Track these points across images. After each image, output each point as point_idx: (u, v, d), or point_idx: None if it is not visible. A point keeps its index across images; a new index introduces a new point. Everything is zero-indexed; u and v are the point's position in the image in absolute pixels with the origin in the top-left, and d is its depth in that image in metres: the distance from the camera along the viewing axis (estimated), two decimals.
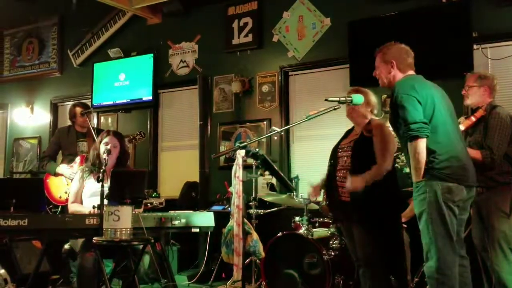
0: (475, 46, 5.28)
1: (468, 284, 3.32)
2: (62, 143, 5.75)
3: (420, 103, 3.20)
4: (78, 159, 5.43)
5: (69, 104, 7.81)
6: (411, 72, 3.49)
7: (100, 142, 4.35)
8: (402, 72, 3.46)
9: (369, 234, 3.67)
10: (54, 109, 8.57)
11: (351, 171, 3.73)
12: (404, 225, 4.68)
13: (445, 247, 3.14)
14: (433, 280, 3.17)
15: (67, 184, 5.37)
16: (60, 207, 5.43)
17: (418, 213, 3.25)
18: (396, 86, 3.35)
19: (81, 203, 4.28)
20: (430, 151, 3.17)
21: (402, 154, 4.62)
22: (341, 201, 3.80)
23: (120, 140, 4.44)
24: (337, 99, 3.52)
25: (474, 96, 3.98)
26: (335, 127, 5.53)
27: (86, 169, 4.37)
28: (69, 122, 5.99)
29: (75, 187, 4.33)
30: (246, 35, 6.71)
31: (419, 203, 3.22)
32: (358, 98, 3.64)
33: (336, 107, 3.54)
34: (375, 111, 3.85)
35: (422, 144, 3.13)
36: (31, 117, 8.70)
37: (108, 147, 4.25)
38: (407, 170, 5.09)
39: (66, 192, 5.34)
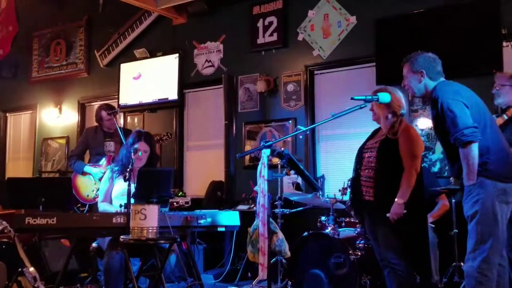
0: (504, 44, 5.15)
1: (505, 286, 3.27)
2: (90, 143, 5.82)
3: (467, 107, 3.18)
4: (105, 158, 5.49)
5: (96, 104, 7.91)
6: (442, 79, 3.44)
7: (132, 144, 4.29)
8: (433, 80, 3.41)
9: (393, 234, 3.64)
10: (82, 109, 8.66)
11: (376, 172, 3.70)
12: (432, 225, 4.63)
13: (492, 249, 3.12)
14: (472, 280, 3.14)
15: (95, 183, 5.44)
16: (87, 205, 5.51)
17: (470, 215, 3.21)
18: (437, 93, 3.30)
19: (111, 202, 4.32)
20: (481, 153, 3.14)
21: (431, 153, 4.55)
22: (365, 201, 3.78)
23: (151, 145, 4.40)
24: (363, 97, 3.50)
25: (506, 95, 3.97)
26: (361, 126, 5.49)
27: (116, 169, 4.37)
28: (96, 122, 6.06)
29: (105, 186, 4.37)
30: (271, 34, 6.70)
31: (472, 205, 3.19)
32: (385, 97, 3.60)
33: (362, 106, 3.51)
34: (402, 111, 3.79)
35: (475, 148, 3.10)
36: (59, 117, 8.81)
37: (139, 154, 4.26)
38: (435, 169, 5.02)
39: (93, 191, 5.41)
